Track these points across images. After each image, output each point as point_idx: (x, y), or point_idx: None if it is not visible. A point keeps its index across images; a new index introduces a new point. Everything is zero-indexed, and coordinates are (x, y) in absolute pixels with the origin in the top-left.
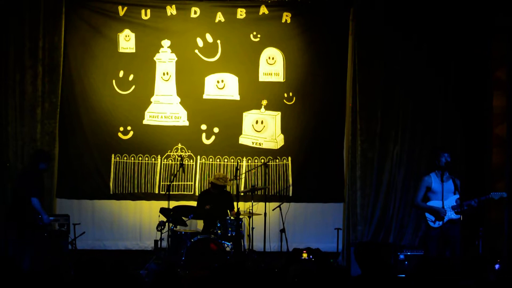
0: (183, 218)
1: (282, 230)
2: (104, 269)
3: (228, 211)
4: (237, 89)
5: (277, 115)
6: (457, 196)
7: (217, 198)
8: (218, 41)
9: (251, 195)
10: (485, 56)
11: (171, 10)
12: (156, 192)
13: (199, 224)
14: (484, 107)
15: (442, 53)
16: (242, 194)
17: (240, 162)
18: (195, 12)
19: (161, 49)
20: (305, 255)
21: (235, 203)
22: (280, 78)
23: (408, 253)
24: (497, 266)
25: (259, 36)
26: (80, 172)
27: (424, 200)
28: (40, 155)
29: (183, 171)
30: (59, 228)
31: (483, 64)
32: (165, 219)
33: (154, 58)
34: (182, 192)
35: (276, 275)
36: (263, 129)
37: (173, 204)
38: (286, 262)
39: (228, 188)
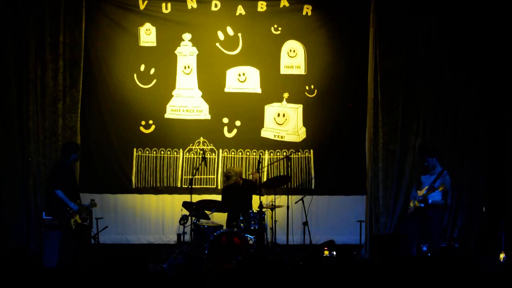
0: (206, 212)
1: (305, 223)
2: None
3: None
4: (258, 82)
5: (299, 107)
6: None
7: (241, 190)
8: (239, 34)
9: (274, 188)
10: (510, 49)
11: (191, 4)
12: (179, 186)
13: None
14: (507, 101)
15: (465, 44)
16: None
17: (262, 155)
18: (216, 5)
19: (182, 43)
20: (326, 253)
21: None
22: (302, 70)
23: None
24: (504, 257)
25: (280, 29)
26: (102, 167)
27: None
28: (71, 145)
29: (205, 164)
30: (81, 223)
31: (508, 56)
32: (187, 213)
33: (175, 52)
34: (205, 186)
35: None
36: (285, 122)
37: (195, 197)
38: (305, 260)
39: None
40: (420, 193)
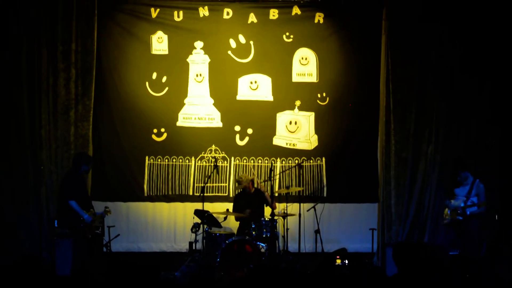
0: (217, 218)
1: (317, 231)
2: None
3: (266, 206)
4: (270, 90)
5: (311, 115)
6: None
7: (252, 198)
8: (251, 42)
9: (286, 196)
10: None
11: (203, 12)
12: (190, 193)
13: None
14: None
15: (477, 52)
16: (276, 195)
17: (274, 163)
18: (228, 13)
19: (194, 51)
20: (338, 261)
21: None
22: (313, 78)
23: None
24: None
25: (292, 36)
26: (114, 175)
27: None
28: (82, 157)
29: (217, 172)
30: (94, 231)
31: None
32: (199, 221)
33: (187, 60)
34: (217, 194)
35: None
36: (297, 129)
37: (207, 205)
38: (317, 268)
39: (263, 186)
40: (456, 204)
